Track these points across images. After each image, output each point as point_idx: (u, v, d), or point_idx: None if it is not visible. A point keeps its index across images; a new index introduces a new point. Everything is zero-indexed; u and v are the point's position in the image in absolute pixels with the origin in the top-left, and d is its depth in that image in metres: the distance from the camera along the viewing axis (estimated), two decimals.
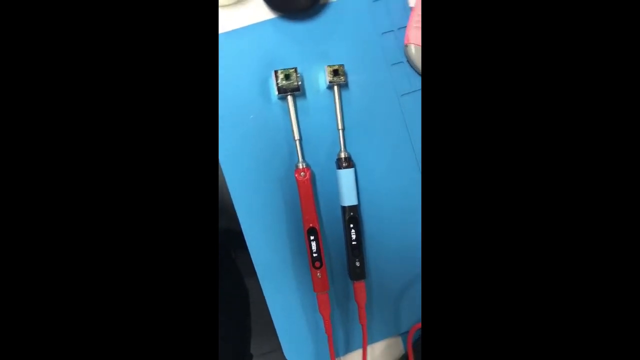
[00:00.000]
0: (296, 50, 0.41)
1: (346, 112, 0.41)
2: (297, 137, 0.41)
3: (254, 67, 0.41)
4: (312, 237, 0.40)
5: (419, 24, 0.41)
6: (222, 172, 0.41)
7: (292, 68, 0.39)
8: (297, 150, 0.41)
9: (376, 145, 0.42)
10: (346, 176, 0.41)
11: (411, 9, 0.43)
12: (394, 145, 0.42)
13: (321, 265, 0.40)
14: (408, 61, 0.43)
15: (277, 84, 0.39)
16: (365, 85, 0.42)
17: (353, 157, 0.41)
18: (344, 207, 0.41)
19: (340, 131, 0.42)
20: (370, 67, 0.42)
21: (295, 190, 0.40)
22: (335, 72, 0.40)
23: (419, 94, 0.43)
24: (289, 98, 0.40)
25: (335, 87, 0.41)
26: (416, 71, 0.43)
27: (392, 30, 0.43)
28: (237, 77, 0.41)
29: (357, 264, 0.40)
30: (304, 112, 0.41)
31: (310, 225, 0.40)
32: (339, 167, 0.41)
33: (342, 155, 0.41)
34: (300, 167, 0.40)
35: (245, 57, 0.41)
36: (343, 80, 0.40)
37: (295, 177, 0.41)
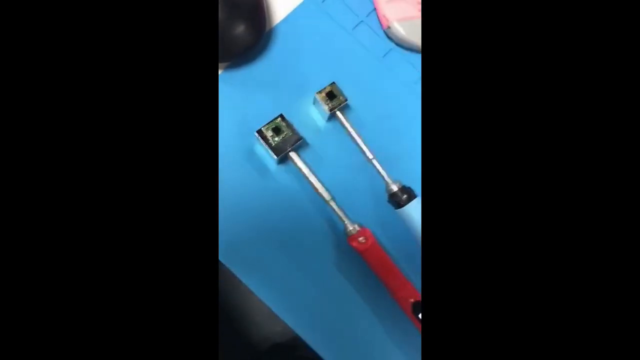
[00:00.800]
0: (266, 97, 0.31)
1: (366, 136, 0.30)
2: (327, 197, 0.29)
3: (229, 140, 0.30)
4: (419, 315, 0.27)
5: None
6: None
7: (277, 117, 0.29)
8: (336, 213, 0.29)
9: (416, 153, 0.31)
10: (416, 211, 0.29)
11: None
12: None
13: None
14: (398, 44, 0.34)
15: (270, 144, 0.28)
16: (367, 94, 0.32)
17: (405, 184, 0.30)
18: None
19: (373, 161, 0.30)
20: (361, 71, 0.33)
21: (347, 267, 0.28)
22: (331, 95, 0.30)
23: None
24: (293, 155, 0.29)
25: (339, 113, 0.30)
26: (413, 49, 0.34)
27: (362, 21, 0.34)
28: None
29: None
30: (317, 164, 0.30)
31: (412, 300, 0.27)
32: (399, 204, 0.29)
33: (394, 188, 0.29)
34: (353, 230, 0.28)
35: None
36: (343, 99, 0.30)
37: (355, 248, 0.28)
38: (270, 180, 0.30)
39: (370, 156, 0.30)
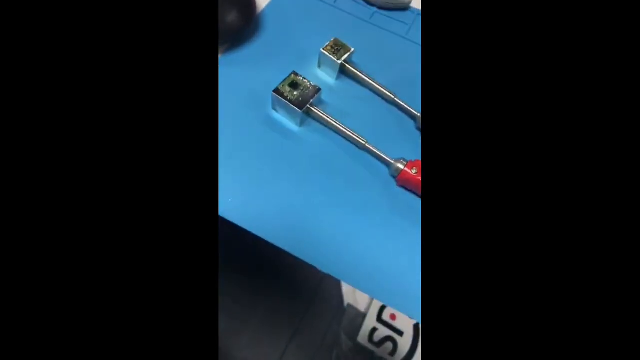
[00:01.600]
0: (270, 69, 0.30)
1: (380, 78, 0.30)
2: (363, 141, 0.27)
3: (244, 115, 0.28)
4: None
5: None
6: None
7: (290, 74, 0.28)
8: (377, 155, 0.27)
9: None
10: None
11: None
12: None
13: None
14: (380, 6, 0.35)
15: (290, 99, 0.27)
16: (365, 50, 0.32)
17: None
18: None
19: (396, 99, 0.29)
20: (353, 33, 0.33)
21: (403, 209, 0.25)
22: (337, 47, 0.29)
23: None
24: (315, 109, 0.27)
25: (348, 66, 0.30)
26: (393, 7, 0.35)
27: None
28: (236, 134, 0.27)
29: None
30: (338, 117, 0.28)
31: None
32: None
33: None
34: (402, 166, 0.26)
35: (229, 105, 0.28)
36: (350, 48, 0.30)
37: (408, 182, 0.26)
38: (297, 142, 0.28)
39: (392, 96, 0.29)
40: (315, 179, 0.27)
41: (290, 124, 0.28)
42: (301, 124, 0.28)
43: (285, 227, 0.25)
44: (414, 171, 0.26)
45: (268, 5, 0.33)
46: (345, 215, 0.26)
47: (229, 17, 0.29)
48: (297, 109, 0.26)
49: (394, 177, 0.27)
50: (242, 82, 0.30)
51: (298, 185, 0.26)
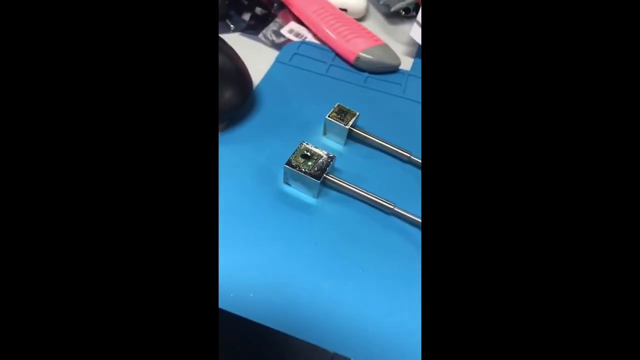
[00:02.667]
0: (275, 142, 0.28)
1: (389, 138, 0.29)
2: (390, 205, 0.25)
3: (255, 192, 0.25)
4: None
5: (343, 29, 0.35)
6: None
7: (300, 144, 0.26)
8: (408, 219, 0.25)
9: None
10: None
11: (324, 43, 0.37)
12: None
13: None
14: (371, 71, 0.35)
15: (305, 171, 0.24)
16: (366, 113, 0.31)
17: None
18: None
19: (412, 157, 0.28)
20: (350, 98, 0.33)
21: None
22: (342, 113, 0.28)
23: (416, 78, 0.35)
24: (332, 177, 0.25)
25: (357, 130, 0.29)
26: (384, 70, 0.35)
27: (331, 65, 0.36)
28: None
29: None
30: (355, 181, 0.26)
31: None
32: None
33: None
34: None
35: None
36: (355, 112, 0.29)
37: None
38: (318, 215, 0.25)
39: (407, 154, 0.28)
40: (343, 251, 0.24)
41: (307, 197, 0.26)
42: (318, 195, 0.26)
43: (307, 317, 0.21)
44: None
45: (262, 81, 0.33)
46: (382, 289, 0.22)
47: (225, 95, 0.28)
48: (315, 179, 0.24)
49: None
50: (245, 158, 0.27)
51: (320, 259, 0.23)
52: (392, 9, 0.41)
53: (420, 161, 0.28)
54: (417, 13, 0.38)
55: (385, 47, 0.36)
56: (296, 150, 0.25)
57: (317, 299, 0.22)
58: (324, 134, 0.30)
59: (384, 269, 0.23)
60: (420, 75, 0.36)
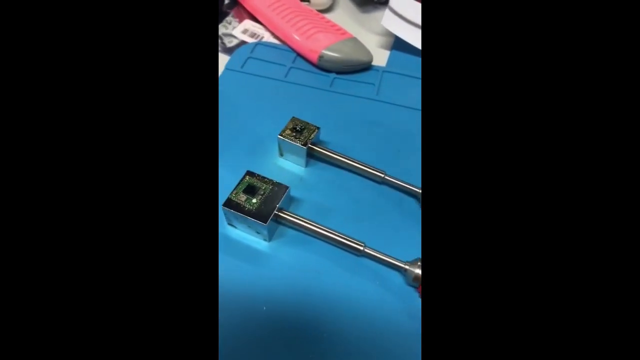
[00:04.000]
0: (222, 176, 0.23)
1: (359, 154, 0.23)
2: (360, 247, 0.20)
3: None
4: None
5: (304, 24, 0.30)
6: None
7: (243, 176, 0.21)
8: (383, 261, 0.20)
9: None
10: None
11: (287, 46, 0.32)
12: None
13: None
14: (338, 71, 0.30)
15: (249, 211, 0.19)
16: (331, 122, 0.26)
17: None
18: None
19: (386, 178, 0.23)
20: (314, 105, 0.27)
21: None
22: (297, 129, 0.23)
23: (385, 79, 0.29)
24: (285, 214, 0.20)
25: (318, 149, 0.23)
26: (352, 68, 0.30)
27: (291, 67, 0.30)
28: None
29: None
30: (319, 217, 0.21)
31: None
32: None
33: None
34: (418, 266, 0.18)
35: None
36: (314, 127, 0.23)
37: None
38: (268, 264, 0.20)
39: (381, 174, 0.23)
40: (298, 313, 0.18)
41: (256, 242, 0.21)
42: (270, 238, 0.21)
43: None
44: None
45: None
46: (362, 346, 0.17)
47: None
48: (260, 222, 0.19)
49: (413, 286, 0.19)
50: None
51: (278, 335, 0.18)
52: None
53: (396, 181, 0.23)
54: None
55: (354, 41, 0.30)
56: (238, 184, 0.20)
57: None
58: (280, 154, 0.24)
59: (359, 330, 0.18)
60: (397, 71, 0.31)
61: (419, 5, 0.31)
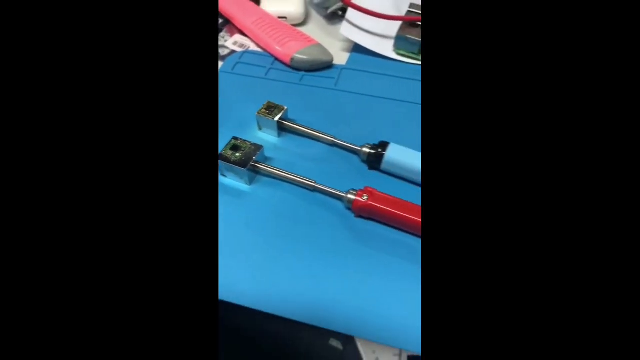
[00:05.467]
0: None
1: (319, 127, 0.32)
2: (312, 183, 0.28)
3: None
4: None
5: (279, 35, 0.39)
6: None
7: (231, 139, 0.29)
8: (329, 193, 0.28)
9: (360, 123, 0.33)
10: (394, 152, 0.29)
11: (264, 50, 0.41)
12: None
13: None
14: (307, 70, 0.39)
15: (234, 161, 0.28)
16: (300, 106, 0.35)
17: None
18: None
19: (336, 141, 0.31)
20: (286, 97, 0.36)
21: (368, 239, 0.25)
22: (270, 108, 0.32)
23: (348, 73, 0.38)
24: (261, 165, 0.29)
25: (286, 122, 0.32)
26: (319, 67, 0.39)
27: (270, 68, 0.39)
28: None
29: None
30: (287, 168, 0.29)
31: None
32: (379, 156, 0.29)
33: (367, 150, 0.30)
34: (352, 195, 0.27)
35: None
36: (283, 107, 0.32)
37: (362, 209, 0.26)
38: (250, 199, 0.28)
39: (331, 138, 0.31)
40: (274, 231, 0.27)
41: (241, 186, 0.29)
42: (250, 182, 0.29)
43: (254, 287, 0.24)
44: (364, 198, 0.26)
45: None
46: (313, 260, 0.25)
47: None
48: (241, 167, 0.27)
49: (349, 209, 0.27)
50: None
51: (259, 241, 0.26)
52: (329, 11, 0.45)
53: (343, 143, 0.31)
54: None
55: (318, 46, 0.39)
56: (227, 144, 0.29)
57: (255, 271, 0.25)
58: (259, 129, 0.33)
59: (312, 239, 0.26)
60: (353, 68, 0.39)
61: (371, 17, 0.40)
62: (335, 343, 0.23)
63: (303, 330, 0.23)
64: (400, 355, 0.22)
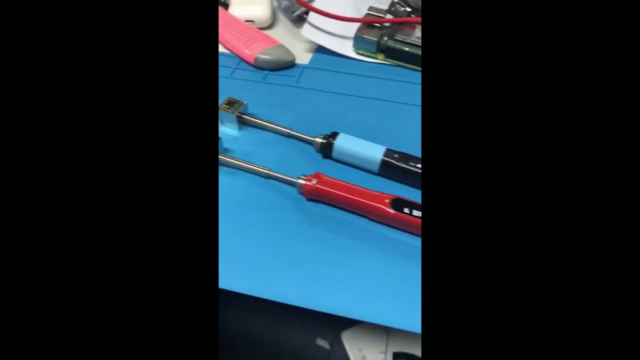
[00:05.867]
0: None
1: (278, 120, 0.34)
2: (265, 170, 0.30)
3: None
4: (404, 209, 0.26)
5: (244, 37, 0.41)
6: None
7: None
8: (281, 179, 0.30)
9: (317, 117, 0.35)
10: (344, 140, 0.31)
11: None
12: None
13: None
14: (270, 69, 0.41)
15: None
16: (261, 102, 0.37)
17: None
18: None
19: (292, 132, 0.33)
20: (249, 93, 0.38)
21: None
22: (230, 103, 0.34)
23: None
24: (221, 157, 0.31)
25: (245, 116, 0.34)
26: (281, 67, 0.41)
27: (235, 68, 0.41)
28: None
29: None
30: (244, 157, 0.31)
31: (387, 200, 0.27)
32: (330, 145, 0.31)
33: (319, 140, 0.32)
34: (302, 180, 0.29)
35: None
36: (243, 102, 0.34)
37: (312, 193, 0.28)
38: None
39: (287, 130, 0.33)
40: (231, 216, 0.29)
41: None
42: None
43: None
44: (313, 182, 0.28)
45: None
46: (267, 240, 0.27)
47: None
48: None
49: (301, 193, 0.29)
50: None
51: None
52: (295, 15, 0.47)
53: (299, 134, 0.33)
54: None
55: (281, 47, 0.42)
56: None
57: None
58: (222, 123, 0.35)
59: (266, 222, 0.28)
60: (315, 67, 0.42)
61: (331, 19, 0.43)
62: (322, 342, 0.24)
63: (289, 330, 0.24)
64: (385, 352, 0.24)
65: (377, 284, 0.25)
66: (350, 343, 0.24)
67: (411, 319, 0.23)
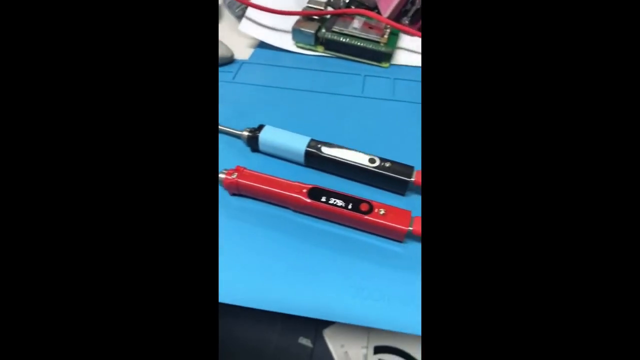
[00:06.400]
0: None
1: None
2: None
3: None
4: (322, 198, 0.26)
5: None
6: None
7: None
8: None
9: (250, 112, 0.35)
10: (267, 132, 0.31)
11: None
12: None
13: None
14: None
15: None
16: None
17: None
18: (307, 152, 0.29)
19: (220, 127, 0.33)
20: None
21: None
22: None
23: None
24: None
25: None
26: (224, 61, 0.41)
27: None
28: None
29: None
30: None
31: (305, 189, 0.27)
32: (256, 138, 0.31)
33: (245, 133, 0.31)
34: (223, 175, 0.28)
35: None
36: None
37: (232, 186, 0.28)
38: None
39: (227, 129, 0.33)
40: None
41: None
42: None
43: None
44: (233, 176, 0.28)
45: None
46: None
47: None
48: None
49: (224, 188, 0.29)
50: None
51: None
52: (238, 10, 0.47)
53: (228, 129, 0.33)
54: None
55: (219, 43, 0.41)
56: None
57: None
58: None
59: None
60: (254, 62, 0.42)
61: (270, 14, 0.43)
62: (304, 341, 0.23)
63: (271, 331, 0.23)
64: (367, 347, 0.23)
65: (303, 273, 0.25)
66: (333, 340, 0.23)
67: (338, 309, 0.23)
